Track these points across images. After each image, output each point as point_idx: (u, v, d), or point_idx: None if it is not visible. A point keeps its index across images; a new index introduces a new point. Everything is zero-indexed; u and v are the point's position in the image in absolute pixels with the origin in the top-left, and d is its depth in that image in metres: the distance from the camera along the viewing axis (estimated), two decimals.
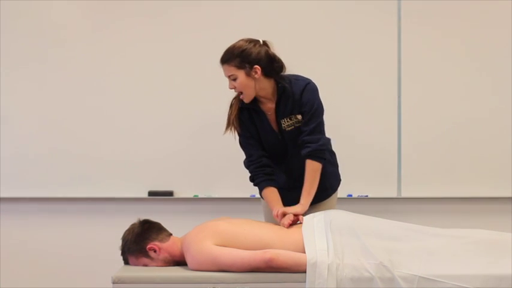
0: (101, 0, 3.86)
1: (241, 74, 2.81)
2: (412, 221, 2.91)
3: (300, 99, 2.88)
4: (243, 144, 2.99)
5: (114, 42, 3.86)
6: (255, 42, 2.85)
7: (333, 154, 3.08)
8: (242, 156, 3.02)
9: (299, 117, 2.91)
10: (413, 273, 2.45)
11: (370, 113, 3.86)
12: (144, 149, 3.85)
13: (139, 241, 2.70)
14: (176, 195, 3.86)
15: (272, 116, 2.94)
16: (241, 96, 2.87)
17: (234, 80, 2.82)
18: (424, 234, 2.64)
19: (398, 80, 3.87)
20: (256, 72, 2.81)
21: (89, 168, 3.84)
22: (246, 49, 2.80)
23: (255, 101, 2.92)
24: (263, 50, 2.84)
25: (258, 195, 3.13)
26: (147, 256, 2.69)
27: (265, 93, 2.89)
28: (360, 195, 3.85)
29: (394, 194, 3.88)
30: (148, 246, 2.69)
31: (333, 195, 3.10)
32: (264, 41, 2.87)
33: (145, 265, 2.70)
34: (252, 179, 2.98)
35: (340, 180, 3.16)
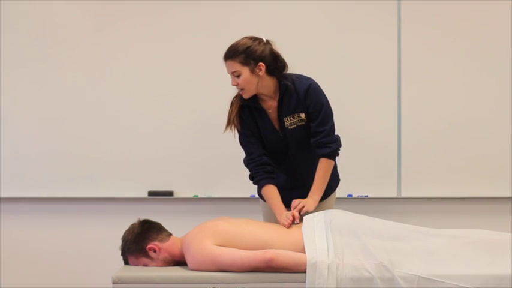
0: (101, 0, 3.86)
1: (245, 71, 2.81)
2: (412, 221, 2.92)
3: (304, 99, 2.89)
4: (243, 142, 2.99)
5: (114, 42, 3.86)
6: (260, 40, 2.85)
7: None
8: (242, 156, 3.01)
9: (302, 115, 2.91)
10: (413, 273, 2.45)
11: (370, 113, 3.86)
12: (144, 149, 3.85)
13: (139, 241, 2.70)
14: (176, 195, 3.86)
15: (273, 114, 2.94)
16: (241, 92, 2.87)
17: (238, 76, 2.82)
18: (424, 234, 2.64)
19: (398, 80, 3.87)
20: (260, 70, 2.82)
21: (89, 168, 3.84)
22: (251, 46, 2.81)
23: (256, 98, 2.92)
24: (268, 48, 2.85)
25: (258, 195, 3.13)
26: (147, 256, 2.69)
27: (267, 91, 2.89)
28: (360, 195, 3.85)
29: (394, 194, 3.88)
30: (149, 246, 2.69)
31: (332, 195, 3.11)
32: (267, 40, 2.88)
33: (145, 265, 2.70)
34: (251, 177, 2.98)
35: (339, 180, 3.17)
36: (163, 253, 2.70)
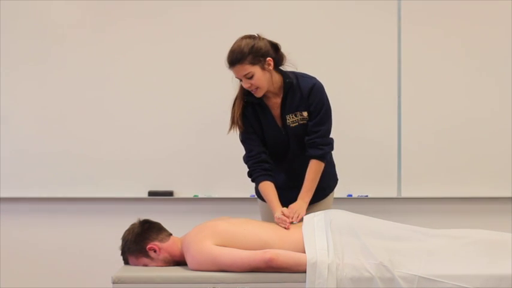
0: (101, 0, 3.86)
1: (257, 70, 2.80)
2: (412, 221, 2.92)
3: (307, 97, 2.89)
4: (243, 139, 2.99)
5: (114, 42, 3.86)
6: (255, 36, 2.85)
7: (330, 154, 3.08)
8: (242, 156, 3.02)
9: (304, 114, 2.91)
10: (413, 273, 2.45)
11: (370, 112, 3.86)
12: (144, 149, 3.85)
13: (139, 241, 2.70)
14: (176, 195, 3.86)
15: (277, 111, 2.94)
16: (254, 92, 2.86)
17: (251, 77, 2.80)
18: (424, 234, 2.64)
19: (398, 80, 3.87)
20: (269, 65, 2.83)
21: (89, 168, 3.84)
22: (254, 45, 2.80)
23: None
24: (266, 41, 2.85)
25: (256, 195, 3.13)
26: (147, 256, 2.69)
27: (274, 88, 2.90)
28: (360, 195, 3.85)
29: (394, 194, 3.88)
30: (149, 246, 2.69)
31: (330, 195, 3.12)
32: (258, 34, 2.87)
33: (146, 265, 2.70)
34: (249, 174, 2.99)
35: (337, 179, 3.17)
36: (163, 253, 2.70)
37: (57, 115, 3.85)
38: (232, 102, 2.95)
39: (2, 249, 3.89)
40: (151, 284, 2.49)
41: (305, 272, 2.46)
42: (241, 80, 2.85)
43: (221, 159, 3.79)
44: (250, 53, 2.78)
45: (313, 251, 2.50)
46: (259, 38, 2.85)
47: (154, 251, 2.69)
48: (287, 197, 2.89)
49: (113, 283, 2.47)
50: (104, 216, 3.88)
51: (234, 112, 2.93)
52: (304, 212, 2.83)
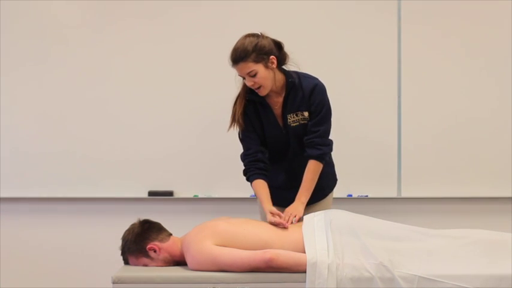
0: (101, 0, 3.86)
1: (260, 68, 2.81)
2: (412, 221, 2.92)
3: (309, 98, 2.90)
4: (243, 137, 2.99)
5: (114, 42, 3.86)
6: (258, 35, 2.86)
7: (329, 155, 3.08)
8: (240, 154, 3.02)
9: (305, 114, 2.92)
10: (413, 273, 2.45)
11: (370, 112, 3.86)
12: (144, 149, 3.85)
13: (139, 241, 2.70)
14: (176, 195, 3.86)
15: (278, 110, 2.95)
16: (258, 90, 2.86)
17: (254, 75, 2.81)
18: (424, 234, 2.64)
19: (398, 80, 3.87)
20: (273, 63, 2.83)
21: (89, 168, 3.84)
22: (257, 43, 2.81)
23: None
24: (269, 40, 2.86)
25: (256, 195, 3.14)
26: (147, 256, 2.69)
27: (277, 86, 2.90)
28: (360, 195, 3.85)
29: (394, 194, 3.88)
30: (149, 246, 2.69)
31: (329, 195, 3.12)
32: (261, 33, 2.88)
33: (146, 265, 2.70)
34: (244, 173, 3.00)
35: (336, 180, 3.18)
36: (163, 253, 2.70)
37: (57, 115, 3.85)
38: (234, 100, 2.96)
39: (2, 249, 3.89)
40: (151, 284, 2.49)
41: (305, 272, 2.46)
42: (244, 78, 2.85)
43: (221, 159, 3.79)
44: (253, 51, 2.79)
45: (313, 251, 2.50)
46: (262, 36, 2.85)
47: (154, 251, 2.69)
48: (287, 197, 2.89)
49: (113, 283, 2.47)
50: (104, 216, 3.88)
51: (236, 110, 2.94)
52: (301, 213, 2.83)
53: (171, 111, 3.85)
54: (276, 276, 2.50)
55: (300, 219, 2.79)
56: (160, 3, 3.84)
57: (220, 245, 2.56)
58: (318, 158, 2.90)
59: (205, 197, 3.86)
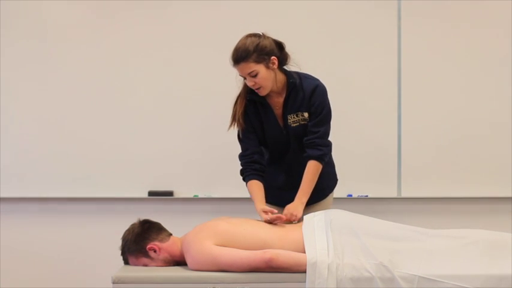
0: (101, 0, 3.86)
1: (261, 68, 2.81)
2: (412, 221, 2.92)
3: (309, 99, 2.90)
4: (241, 137, 2.99)
5: (114, 42, 3.86)
6: (259, 35, 2.86)
7: (330, 155, 3.08)
8: (238, 154, 3.02)
9: (305, 115, 2.92)
10: (413, 273, 2.45)
11: (370, 113, 3.86)
12: (144, 149, 3.85)
13: (139, 241, 2.70)
14: (176, 195, 3.86)
15: (279, 110, 2.95)
16: (258, 91, 2.86)
17: (255, 76, 2.81)
18: (424, 234, 2.64)
19: (398, 80, 3.87)
20: (274, 63, 2.83)
21: (89, 168, 3.84)
22: (259, 43, 2.81)
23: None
24: (271, 40, 2.86)
25: None
26: (147, 256, 2.69)
27: (277, 87, 2.90)
28: (360, 195, 3.85)
29: (394, 194, 3.88)
30: (149, 246, 2.69)
31: (330, 195, 3.12)
32: (263, 33, 2.88)
33: (145, 265, 2.70)
34: (241, 173, 3.00)
35: (336, 180, 3.17)
36: (163, 253, 2.70)
37: (57, 115, 3.85)
38: (235, 100, 2.96)
39: (2, 249, 3.89)
40: (151, 284, 2.49)
41: (305, 272, 2.46)
42: (245, 78, 2.85)
43: (221, 159, 3.79)
44: (255, 51, 2.79)
45: (313, 251, 2.50)
46: (264, 36, 2.85)
47: (154, 251, 2.69)
48: (286, 197, 2.89)
49: (113, 283, 2.47)
50: (104, 216, 3.88)
51: (236, 110, 2.94)
52: (301, 212, 2.83)
53: (171, 111, 3.85)
54: (276, 276, 2.50)
55: (300, 219, 2.79)
56: (160, 3, 3.84)
57: (220, 245, 2.56)
58: (318, 158, 2.90)
59: (205, 197, 3.86)
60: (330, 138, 2.98)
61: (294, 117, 2.92)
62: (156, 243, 2.70)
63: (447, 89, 3.88)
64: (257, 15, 3.82)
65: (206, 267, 2.54)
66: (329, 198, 3.12)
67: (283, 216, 2.75)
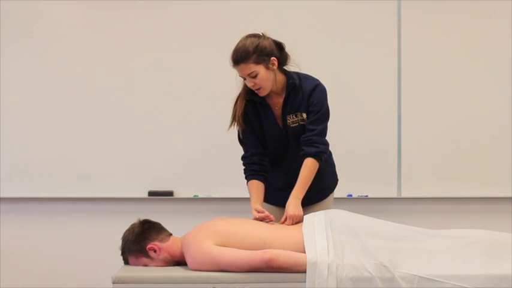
0: (101, 0, 3.86)
1: (261, 69, 2.80)
2: (412, 221, 2.92)
3: (308, 98, 2.90)
4: (242, 139, 3.00)
5: (114, 42, 3.87)
6: (259, 35, 2.85)
7: (330, 154, 3.08)
8: (241, 155, 3.02)
9: (304, 115, 2.92)
10: (413, 273, 2.45)
11: (370, 112, 3.87)
12: (144, 149, 3.85)
13: (139, 241, 2.69)
14: (176, 195, 3.86)
15: (278, 111, 2.95)
16: (258, 91, 2.86)
17: (255, 76, 2.81)
18: (424, 234, 2.64)
19: (398, 80, 3.87)
20: (273, 64, 2.83)
21: (89, 168, 3.84)
22: (259, 44, 2.80)
23: None
24: (270, 40, 2.86)
25: None
26: (147, 256, 2.69)
27: (277, 87, 2.90)
28: (360, 195, 3.86)
29: (394, 194, 3.88)
30: (149, 246, 2.69)
31: (330, 196, 3.12)
32: (263, 33, 2.88)
33: (146, 265, 2.69)
34: (244, 173, 3.01)
35: (337, 180, 3.17)
36: (163, 253, 2.70)
37: (57, 115, 3.86)
38: (235, 100, 2.96)
39: (2, 249, 3.89)
40: (151, 284, 2.49)
41: (305, 272, 2.46)
42: (245, 79, 2.85)
43: (221, 159, 3.79)
44: (254, 52, 2.78)
45: (313, 251, 2.50)
46: (264, 37, 2.85)
47: (154, 251, 2.69)
48: (286, 197, 2.88)
49: (113, 283, 2.47)
50: (104, 216, 3.88)
51: (236, 110, 2.94)
52: (301, 210, 2.82)
53: (171, 111, 3.85)
54: (276, 276, 2.49)
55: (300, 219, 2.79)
56: (160, 3, 3.84)
57: (220, 245, 2.55)
58: (315, 155, 2.88)
59: (205, 197, 3.86)
60: (329, 138, 2.98)
61: (293, 118, 2.92)
62: (156, 243, 2.70)
63: (447, 89, 3.88)
64: (257, 15, 3.82)
65: (206, 267, 2.54)
66: (329, 198, 3.11)
67: (272, 218, 2.75)
